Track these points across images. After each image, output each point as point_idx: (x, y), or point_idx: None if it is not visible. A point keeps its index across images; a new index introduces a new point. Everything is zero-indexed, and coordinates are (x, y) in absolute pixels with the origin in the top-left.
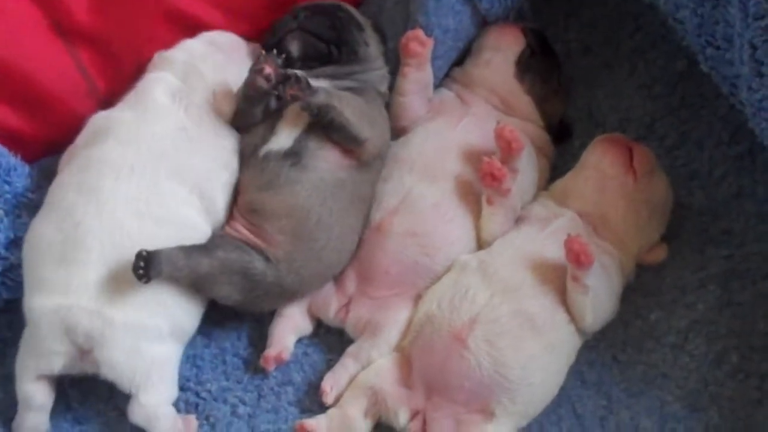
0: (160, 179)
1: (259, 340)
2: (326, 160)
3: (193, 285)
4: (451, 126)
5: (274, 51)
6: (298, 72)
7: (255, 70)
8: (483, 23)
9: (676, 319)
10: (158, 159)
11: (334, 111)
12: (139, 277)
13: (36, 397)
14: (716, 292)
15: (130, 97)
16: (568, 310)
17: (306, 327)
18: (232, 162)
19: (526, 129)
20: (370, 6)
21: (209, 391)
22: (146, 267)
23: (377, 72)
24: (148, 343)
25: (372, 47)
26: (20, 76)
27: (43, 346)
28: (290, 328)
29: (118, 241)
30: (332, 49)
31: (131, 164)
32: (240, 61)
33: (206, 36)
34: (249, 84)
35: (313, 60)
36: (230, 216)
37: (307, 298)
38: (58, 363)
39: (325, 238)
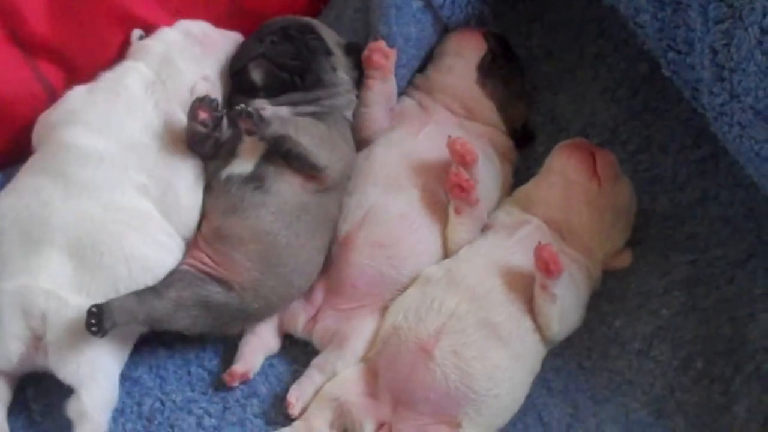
0: (126, 170)
1: (225, 352)
2: (289, 183)
3: (153, 325)
4: (412, 135)
5: (207, 95)
6: (253, 105)
7: (191, 117)
8: (444, 30)
9: (641, 325)
10: (126, 150)
11: (290, 141)
12: (94, 333)
13: None
14: (681, 297)
15: (106, 82)
16: (534, 318)
17: (275, 345)
18: (199, 163)
19: (489, 134)
20: (330, 14)
21: (174, 401)
22: (98, 322)
23: (343, 97)
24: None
25: (340, 71)
26: None
27: (2, 330)
28: (260, 348)
29: (82, 226)
30: (295, 78)
31: (100, 153)
32: (217, 52)
33: (183, 25)
34: (188, 130)
35: (276, 89)
36: (193, 245)
37: (277, 314)
38: (15, 350)
39: (293, 262)
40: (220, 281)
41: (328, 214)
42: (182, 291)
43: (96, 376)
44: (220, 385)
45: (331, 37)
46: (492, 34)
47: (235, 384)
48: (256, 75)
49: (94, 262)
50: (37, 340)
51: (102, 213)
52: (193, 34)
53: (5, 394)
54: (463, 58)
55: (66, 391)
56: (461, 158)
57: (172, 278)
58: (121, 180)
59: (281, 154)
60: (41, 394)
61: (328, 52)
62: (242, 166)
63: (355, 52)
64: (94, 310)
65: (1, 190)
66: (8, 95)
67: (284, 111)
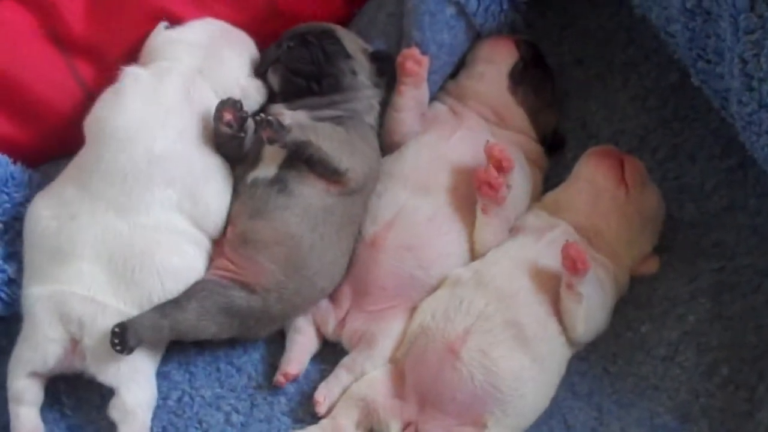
0: (152, 185)
1: (254, 349)
2: (312, 186)
3: (180, 337)
4: (443, 139)
5: (231, 97)
6: (271, 110)
7: (216, 118)
8: (477, 37)
9: (667, 331)
10: (154, 164)
11: (311, 147)
12: (119, 352)
13: (28, 392)
14: (707, 304)
15: (145, 86)
16: (560, 320)
17: (317, 345)
18: (227, 165)
19: (519, 141)
20: (362, 18)
21: (203, 397)
22: (122, 341)
23: (363, 101)
24: None
25: (361, 75)
26: (17, 86)
27: (38, 334)
28: (308, 347)
29: (110, 241)
30: (312, 84)
31: (124, 170)
32: (251, 46)
33: (210, 21)
34: (215, 132)
35: (293, 94)
36: (218, 253)
37: (311, 315)
38: (52, 354)
39: (317, 264)
40: (242, 285)
41: (352, 215)
42: (204, 301)
43: (135, 376)
44: (255, 387)
45: (352, 42)
46: (524, 42)
47: (285, 385)
48: (273, 80)
49: (126, 276)
50: (74, 344)
51: (129, 229)
52: (227, 28)
53: (38, 395)
54: (495, 65)
55: (96, 386)
56: (498, 163)
57: (193, 289)
58: (145, 196)
59: (303, 159)
60: (72, 388)
61: (347, 56)
62: (266, 169)
63: (383, 60)
64: (117, 329)
65: (41, 183)
66: (46, 93)
67: (302, 116)
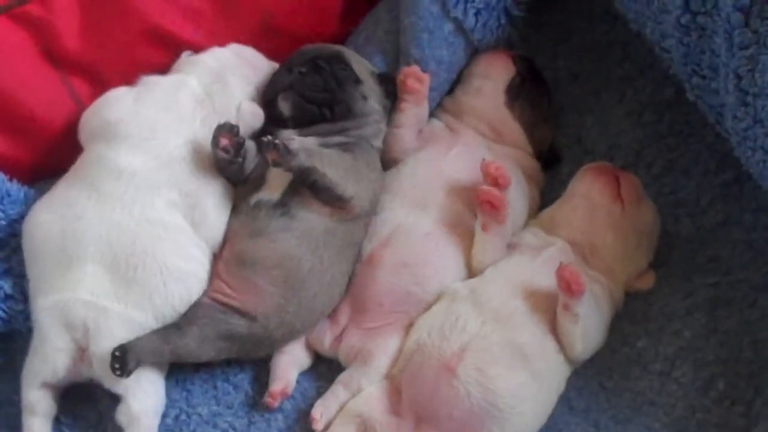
0: (158, 186)
1: (250, 366)
2: (316, 211)
3: (179, 361)
4: (440, 156)
5: (227, 121)
6: (281, 135)
7: (213, 144)
8: (474, 53)
9: (663, 347)
10: (162, 167)
11: (316, 173)
12: (119, 375)
13: (41, 403)
14: (703, 319)
15: (156, 93)
16: (558, 339)
17: (306, 361)
18: (228, 185)
19: (516, 157)
20: (359, 36)
21: (200, 415)
22: (122, 365)
23: (372, 126)
24: None
25: (371, 100)
26: (12, 103)
27: (47, 345)
28: (292, 363)
29: (116, 240)
30: (324, 111)
31: (134, 168)
32: (264, 74)
33: (235, 47)
34: (213, 156)
35: (305, 121)
36: (213, 275)
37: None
38: (61, 364)
39: (317, 286)
40: (242, 313)
41: (354, 238)
42: (204, 327)
43: (142, 382)
44: (251, 405)
45: (361, 66)
46: (520, 57)
47: (278, 404)
48: (285, 107)
49: (129, 276)
50: (81, 352)
51: (134, 227)
52: (244, 55)
53: (51, 406)
54: (492, 81)
55: (93, 403)
56: (494, 181)
57: (194, 314)
58: (152, 195)
59: (307, 185)
60: (68, 405)
61: (357, 81)
62: (271, 192)
63: (388, 81)
64: (117, 353)
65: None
66: (41, 110)
67: (311, 142)
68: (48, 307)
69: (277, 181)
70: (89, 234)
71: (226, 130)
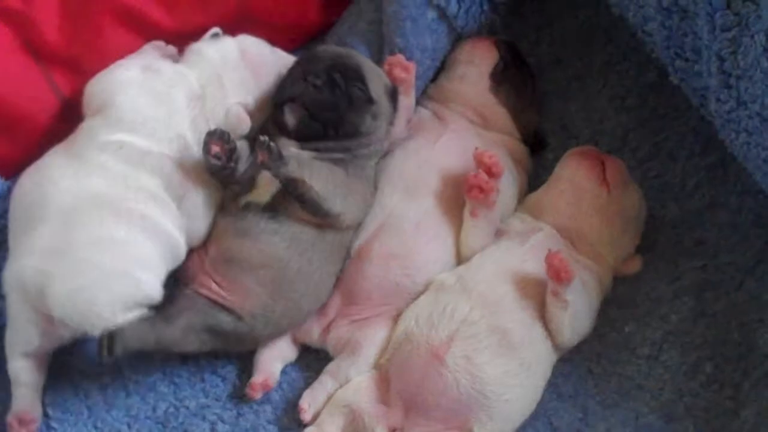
0: (140, 173)
1: (237, 359)
2: (304, 220)
3: (162, 350)
4: (429, 145)
5: (218, 128)
6: (280, 141)
7: (204, 151)
8: (457, 39)
9: (651, 331)
10: (153, 156)
11: (304, 186)
12: (105, 358)
13: (25, 373)
14: (690, 303)
15: (156, 82)
16: (546, 325)
17: (291, 354)
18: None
19: (504, 142)
20: (343, 26)
21: (187, 407)
22: (109, 349)
23: (377, 144)
24: None
25: (380, 120)
26: None
27: (14, 317)
28: (275, 356)
29: (76, 203)
30: (329, 130)
31: (122, 144)
32: (266, 78)
33: (243, 41)
34: (204, 162)
35: (308, 136)
36: (199, 269)
37: None
38: (33, 333)
39: (303, 287)
40: (229, 311)
41: (344, 240)
42: (192, 318)
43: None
44: (240, 397)
45: (378, 81)
46: (503, 42)
47: (259, 395)
48: (290, 119)
49: (72, 238)
50: (46, 318)
51: (106, 190)
52: (249, 54)
53: (35, 377)
54: (476, 67)
55: (82, 398)
56: (488, 170)
57: (182, 305)
58: (138, 170)
59: (294, 196)
60: (57, 400)
61: (370, 101)
62: (260, 196)
63: (394, 94)
64: (105, 338)
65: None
66: (23, 105)
67: (305, 153)
68: (8, 278)
69: (267, 185)
70: (57, 198)
71: (217, 137)
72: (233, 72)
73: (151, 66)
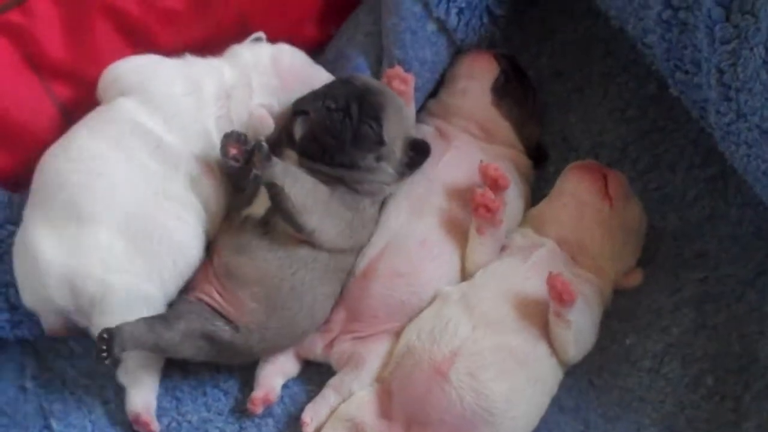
0: (179, 163)
1: (239, 372)
2: (293, 234)
3: (157, 353)
4: (434, 162)
5: (235, 130)
6: (284, 153)
7: (222, 153)
8: (456, 52)
9: (652, 343)
10: (183, 147)
11: (281, 193)
12: (104, 359)
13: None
14: (691, 315)
15: (191, 74)
16: (550, 343)
17: (293, 369)
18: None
19: (509, 155)
20: (341, 38)
21: (190, 422)
22: (108, 348)
23: (374, 185)
24: None
25: (386, 163)
26: None
27: (39, 291)
28: (276, 371)
29: (133, 209)
30: (326, 155)
31: (161, 140)
32: (294, 86)
33: (279, 50)
34: (222, 164)
35: (307, 152)
36: (203, 278)
37: None
38: (53, 318)
39: (298, 306)
40: (227, 320)
41: (340, 265)
42: (191, 323)
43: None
44: (242, 411)
45: (398, 127)
46: (502, 55)
47: (260, 410)
48: (297, 131)
49: (146, 247)
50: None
51: (153, 199)
52: (281, 62)
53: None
54: (477, 81)
55: (85, 411)
56: (494, 183)
57: (182, 309)
58: (175, 171)
59: (273, 203)
60: (61, 413)
61: (380, 143)
62: (258, 208)
63: (419, 151)
64: (105, 335)
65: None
66: (24, 119)
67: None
68: (56, 264)
69: (264, 197)
70: (108, 196)
71: (234, 139)
72: (262, 76)
73: (188, 59)
